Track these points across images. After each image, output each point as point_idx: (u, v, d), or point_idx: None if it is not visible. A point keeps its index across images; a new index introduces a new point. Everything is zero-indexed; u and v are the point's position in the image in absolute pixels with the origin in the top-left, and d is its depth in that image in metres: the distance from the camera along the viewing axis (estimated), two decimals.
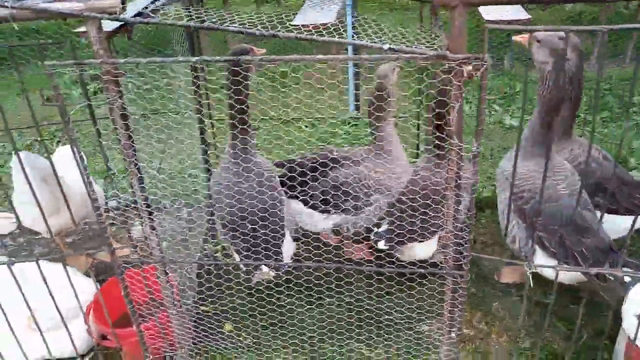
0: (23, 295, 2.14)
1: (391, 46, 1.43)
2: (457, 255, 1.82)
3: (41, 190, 2.74)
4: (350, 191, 2.58)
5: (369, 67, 5.40)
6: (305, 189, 2.59)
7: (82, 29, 6.28)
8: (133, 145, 1.82)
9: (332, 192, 2.60)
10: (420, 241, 2.65)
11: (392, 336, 2.66)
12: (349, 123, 5.24)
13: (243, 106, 2.34)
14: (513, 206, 2.61)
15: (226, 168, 2.57)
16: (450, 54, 1.43)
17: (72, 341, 2.30)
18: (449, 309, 1.99)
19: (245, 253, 2.52)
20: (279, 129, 5.09)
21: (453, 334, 2.02)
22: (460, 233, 1.78)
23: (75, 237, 3.68)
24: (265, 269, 2.58)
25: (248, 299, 2.93)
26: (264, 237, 2.48)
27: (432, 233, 2.68)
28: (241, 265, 2.71)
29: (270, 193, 2.47)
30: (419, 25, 2.71)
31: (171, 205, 3.20)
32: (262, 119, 5.33)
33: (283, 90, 5.83)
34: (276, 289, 2.78)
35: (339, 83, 5.88)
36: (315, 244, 3.03)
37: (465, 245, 1.78)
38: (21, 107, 6.03)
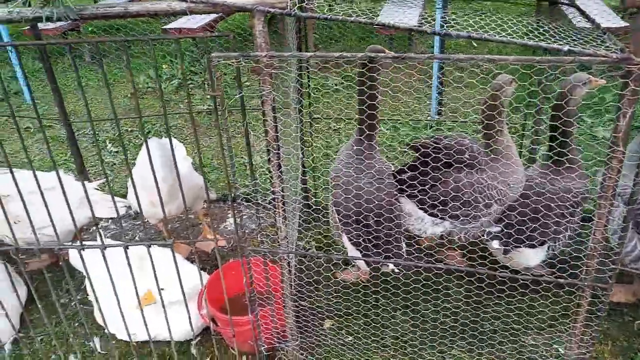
0: (132, 278, 2.23)
1: (570, 47, 1.39)
2: (602, 267, 1.75)
3: (167, 177, 2.88)
4: (470, 200, 2.55)
5: (458, 71, 5.34)
6: (425, 188, 2.58)
7: (172, 25, 6.54)
8: (278, 138, 1.87)
9: (451, 199, 2.57)
10: (533, 247, 2.59)
11: (494, 347, 2.60)
12: (431, 127, 5.17)
13: (374, 102, 2.36)
14: (633, 223, 2.51)
15: (349, 163, 2.61)
16: (636, 57, 1.37)
17: (191, 323, 2.39)
18: (583, 323, 1.91)
19: (366, 245, 2.60)
20: (344, 132, 5.12)
21: (585, 353, 1.94)
22: (609, 244, 1.71)
23: (173, 225, 3.83)
24: (391, 265, 2.69)
25: (346, 297, 2.94)
26: (386, 233, 2.54)
27: (543, 243, 2.63)
28: (356, 262, 2.76)
29: (390, 191, 2.51)
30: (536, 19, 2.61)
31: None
32: (340, 119, 5.38)
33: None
34: (373, 289, 2.78)
35: (420, 85, 5.84)
36: (416, 246, 3.01)
37: (615, 256, 1.71)
38: (107, 100, 6.35)
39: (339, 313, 2.83)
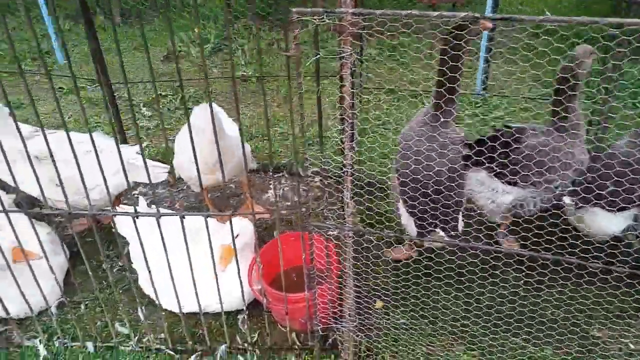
0: (186, 248, 2.12)
1: None
2: None
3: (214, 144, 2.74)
4: (546, 161, 2.39)
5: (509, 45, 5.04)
6: (494, 155, 2.44)
7: None
8: (354, 107, 1.70)
9: (525, 161, 2.43)
10: (607, 210, 2.46)
11: (554, 337, 2.46)
12: (476, 104, 4.93)
13: (457, 75, 2.19)
14: None
15: (421, 130, 2.47)
16: None
17: (243, 295, 2.30)
18: None
19: (421, 216, 2.50)
20: (394, 104, 4.90)
21: None
22: None
23: (215, 194, 3.72)
24: (441, 232, 2.56)
25: (396, 277, 2.82)
26: (444, 203, 2.45)
27: (622, 209, 2.48)
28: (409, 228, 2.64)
29: (457, 164, 2.37)
30: None
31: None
32: (376, 92, 5.17)
33: (402, 62, 5.61)
34: (424, 270, 2.65)
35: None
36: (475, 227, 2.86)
37: None
38: (141, 63, 6.20)
39: (389, 293, 2.71)
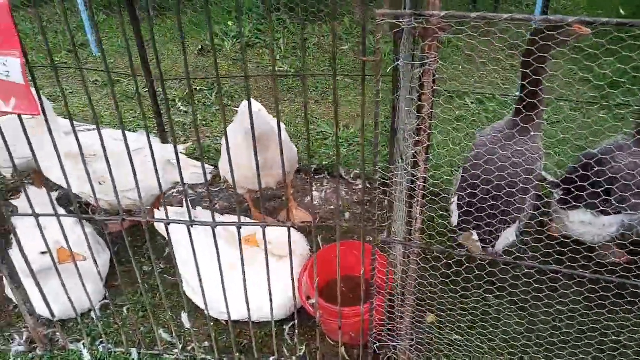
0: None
1: None
2: None
3: (266, 144, 2.66)
4: (631, 184, 2.21)
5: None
6: (594, 189, 2.26)
7: None
8: (432, 113, 1.57)
9: (613, 187, 2.25)
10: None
11: None
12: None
13: (540, 78, 2.04)
14: None
15: (496, 136, 2.34)
16: None
17: (296, 303, 2.19)
18: None
19: (468, 209, 2.39)
20: (443, 105, 4.73)
21: None
22: None
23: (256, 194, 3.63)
24: (475, 236, 2.43)
25: (449, 291, 2.68)
26: (495, 210, 2.33)
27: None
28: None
29: (522, 177, 2.24)
30: None
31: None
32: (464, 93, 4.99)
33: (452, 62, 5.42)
34: (475, 282, 2.51)
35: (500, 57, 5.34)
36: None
37: None
38: (176, 57, 6.14)
39: (441, 308, 2.58)
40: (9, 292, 2.68)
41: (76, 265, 2.29)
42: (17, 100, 1.75)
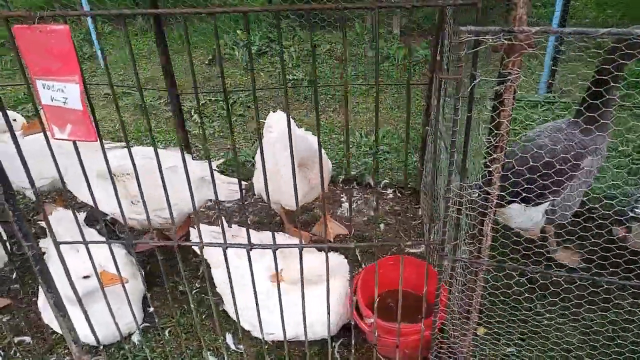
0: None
1: None
2: None
3: (303, 158, 2.61)
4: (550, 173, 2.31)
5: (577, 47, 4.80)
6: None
7: None
8: (509, 133, 1.53)
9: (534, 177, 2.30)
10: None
11: None
12: (541, 106, 4.71)
13: (613, 83, 2.04)
14: None
15: (552, 132, 2.41)
16: None
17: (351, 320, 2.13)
18: None
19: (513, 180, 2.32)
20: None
21: None
22: None
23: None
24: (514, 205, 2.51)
25: (494, 301, 2.63)
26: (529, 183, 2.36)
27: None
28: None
29: (571, 163, 2.28)
30: None
31: None
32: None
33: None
34: (526, 295, 2.46)
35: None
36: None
37: None
38: (187, 68, 6.06)
39: (492, 320, 2.53)
40: (44, 317, 2.62)
41: (123, 287, 2.22)
42: (74, 127, 1.69)
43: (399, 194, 3.58)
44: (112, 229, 3.46)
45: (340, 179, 3.70)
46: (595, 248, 2.30)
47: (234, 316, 2.56)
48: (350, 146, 4.22)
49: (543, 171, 2.30)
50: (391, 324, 2.14)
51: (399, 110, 4.84)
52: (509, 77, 1.42)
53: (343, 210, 3.44)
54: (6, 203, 1.87)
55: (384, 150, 4.06)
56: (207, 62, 6.12)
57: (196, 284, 2.94)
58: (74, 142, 1.77)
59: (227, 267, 2.07)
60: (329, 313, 1.99)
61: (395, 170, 3.84)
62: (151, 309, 2.68)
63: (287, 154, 2.68)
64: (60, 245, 2.28)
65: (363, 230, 3.25)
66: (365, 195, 3.57)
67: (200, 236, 2.01)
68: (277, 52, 6.20)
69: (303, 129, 3.20)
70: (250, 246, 1.95)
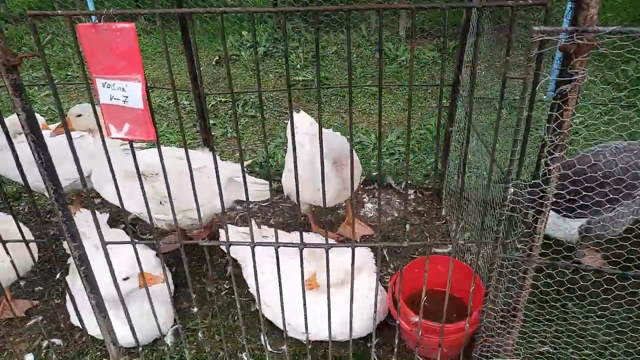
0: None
1: None
2: None
3: (345, 164, 2.62)
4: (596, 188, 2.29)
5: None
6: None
7: None
8: (570, 127, 1.56)
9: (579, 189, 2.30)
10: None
11: None
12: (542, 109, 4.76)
13: None
14: None
15: (623, 152, 2.42)
16: None
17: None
18: None
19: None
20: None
21: None
22: None
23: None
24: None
25: (535, 301, 2.67)
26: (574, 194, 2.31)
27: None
28: None
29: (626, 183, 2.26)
30: None
31: None
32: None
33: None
34: (555, 294, 2.49)
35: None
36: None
37: None
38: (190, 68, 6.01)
39: (528, 319, 2.56)
40: (74, 320, 2.59)
41: (169, 287, 2.20)
42: (131, 126, 1.68)
43: (419, 195, 3.60)
44: (133, 230, 3.43)
45: (361, 180, 3.72)
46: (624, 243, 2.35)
47: (268, 317, 2.55)
48: (367, 147, 4.24)
49: (588, 186, 2.27)
50: (435, 323, 2.15)
51: (413, 110, 4.88)
52: (575, 77, 1.44)
53: (366, 211, 3.46)
54: (56, 203, 1.86)
55: (400, 151, 4.09)
56: (214, 63, 6.10)
57: (224, 285, 2.93)
58: (103, 143, 1.74)
59: (255, 266, 2.05)
60: (351, 313, 1.99)
61: (412, 171, 3.86)
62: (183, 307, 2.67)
63: (325, 153, 2.70)
64: (91, 247, 2.26)
65: (388, 231, 3.26)
66: (387, 196, 3.59)
67: (227, 235, 2.00)
68: (283, 54, 6.19)
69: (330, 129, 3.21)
70: (277, 244, 1.94)
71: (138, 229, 3.43)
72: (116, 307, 2.34)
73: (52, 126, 3.20)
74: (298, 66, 5.87)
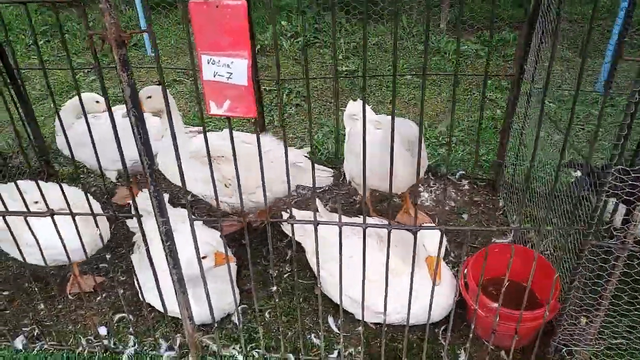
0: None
1: None
2: None
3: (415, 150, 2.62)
4: None
5: None
6: None
7: None
8: None
9: None
10: None
11: None
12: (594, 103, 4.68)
13: None
14: None
15: None
16: None
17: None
18: None
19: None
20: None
21: None
22: None
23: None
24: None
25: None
26: None
27: None
28: None
29: None
30: None
31: None
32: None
33: None
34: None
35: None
36: None
37: None
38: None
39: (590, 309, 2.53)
40: (144, 295, 2.64)
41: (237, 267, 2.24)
42: (232, 103, 1.70)
43: (474, 185, 3.58)
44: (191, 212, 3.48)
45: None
46: None
47: (334, 299, 2.58)
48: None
49: None
50: (513, 310, 2.15)
51: (459, 102, 4.85)
52: None
53: (422, 200, 3.45)
54: (150, 178, 1.90)
55: (453, 142, 4.07)
56: (256, 52, 6.11)
57: (286, 268, 2.96)
58: (170, 124, 1.76)
59: (317, 245, 2.05)
60: (411, 294, 1.99)
61: (465, 162, 3.84)
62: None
63: (399, 138, 2.70)
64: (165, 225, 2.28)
65: (447, 220, 3.26)
66: (442, 186, 3.58)
67: (291, 213, 2.02)
68: (325, 44, 6.20)
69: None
70: (341, 224, 1.94)
71: (194, 212, 3.48)
72: (196, 284, 2.39)
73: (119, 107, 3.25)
74: (340, 57, 5.87)
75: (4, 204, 1.98)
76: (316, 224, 1.95)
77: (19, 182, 2.78)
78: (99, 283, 2.89)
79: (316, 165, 3.05)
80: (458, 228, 1.93)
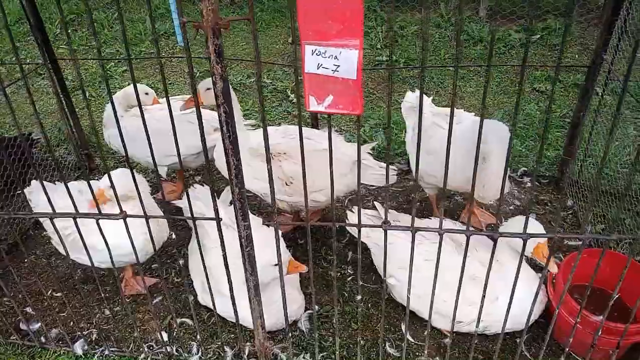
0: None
1: None
2: None
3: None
4: None
5: None
6: None
7: None
8: None
9: None
10: None
11: None
12: None
13: None
14: None
15: None
16: None
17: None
18: None
19: None
20: None
21: None
22: None
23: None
24: None
25: None
26: None
27: None
28: None
29: None
30: None
31: None
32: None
33: None
34: None
35: None
36: None
37: None
38: (263, 45, 5.85)
39: None
40: (200, 299, 2.51)
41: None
42: (336, 98, 1.54)
43: (537, 183, 3.40)
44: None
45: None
46: None
47: (419, 313, 2.42)
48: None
49: None
50: (617, 323, 1.98)
51: (505, 95, 4.65)
52: None
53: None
54: (235, 179, 1.75)
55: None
56: (289, 42, 5.94)
57: (348, 270, 2.81)
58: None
59: (385, 249, 1.89)
60: (483, 298, 1.84)
61: (523, 157, 3.66)
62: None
63: (465, 147, 2.52)
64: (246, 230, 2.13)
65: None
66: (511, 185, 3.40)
67: (359, 217, 1.84)
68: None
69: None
70: (414, 229, 1.77)
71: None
72: (269, 291, 2.25)
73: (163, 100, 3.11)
74: (378, 46, 5.67)
75: (75, 207, 1.84)
76: (386, 228, 1.78)
77: (73, 182, 2.64)
78: (153, 284, 2.77)
79: (377, 163, 2.88)
80: (545, 235, 1.77)
